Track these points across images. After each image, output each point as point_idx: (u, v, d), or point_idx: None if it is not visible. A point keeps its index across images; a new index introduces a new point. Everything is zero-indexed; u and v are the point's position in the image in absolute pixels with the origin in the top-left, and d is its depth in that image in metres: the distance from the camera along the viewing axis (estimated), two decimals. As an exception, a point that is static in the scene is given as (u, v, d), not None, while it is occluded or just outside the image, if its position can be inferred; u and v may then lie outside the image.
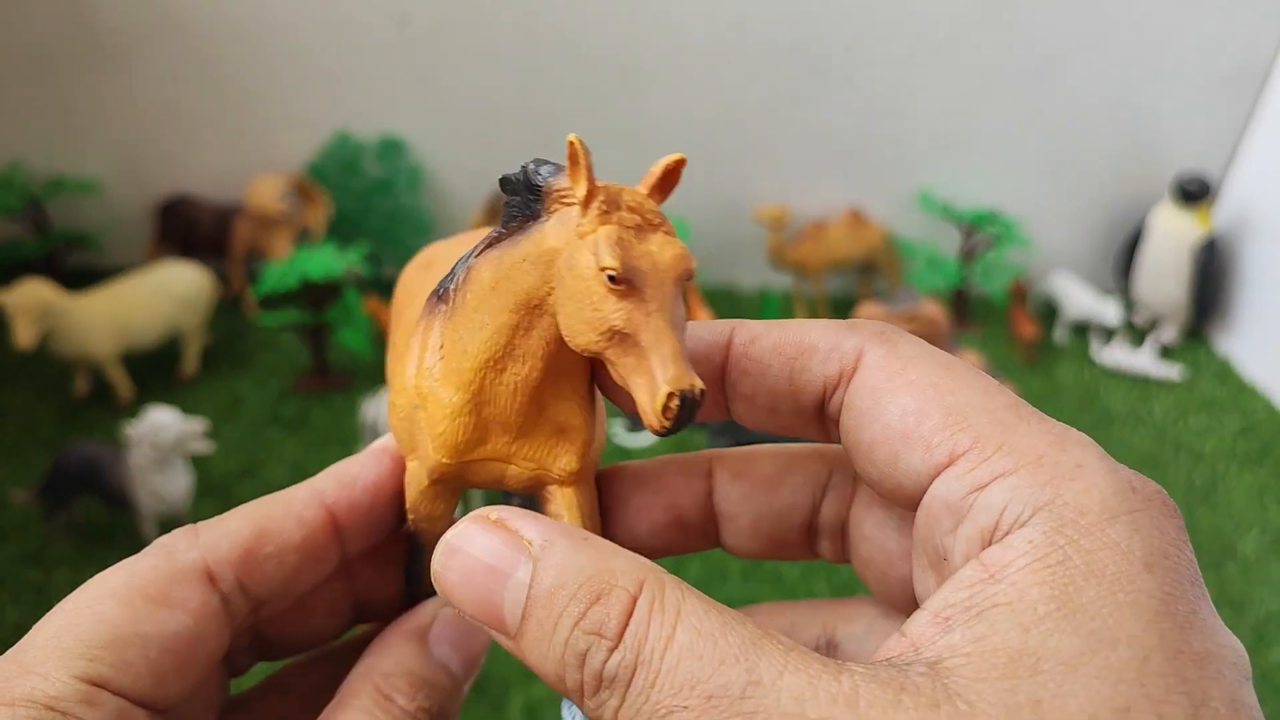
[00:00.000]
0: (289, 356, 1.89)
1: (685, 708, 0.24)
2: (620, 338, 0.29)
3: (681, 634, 0.25)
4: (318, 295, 1.71)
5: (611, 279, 0.29)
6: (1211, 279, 2.04)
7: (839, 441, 0.33)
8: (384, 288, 1.98)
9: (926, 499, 0.29)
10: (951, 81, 2.00)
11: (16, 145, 2.00)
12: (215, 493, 1.54)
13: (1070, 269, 2.20)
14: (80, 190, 2.00)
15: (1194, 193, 1.98)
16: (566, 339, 0.31)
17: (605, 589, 0.26)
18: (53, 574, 1.39)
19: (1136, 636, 0.24)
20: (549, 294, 0.31)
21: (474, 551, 0.28)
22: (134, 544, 1.42)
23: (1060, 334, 2.09)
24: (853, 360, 0.31)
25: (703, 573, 1.46)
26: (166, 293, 1.73)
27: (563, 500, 0.34)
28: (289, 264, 1.67)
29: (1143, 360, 1.99)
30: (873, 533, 0.35)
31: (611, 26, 1.91)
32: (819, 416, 0.33)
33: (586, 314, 0.30)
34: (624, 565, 0.27)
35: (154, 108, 1.98)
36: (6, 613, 1.32)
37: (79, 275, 1.95)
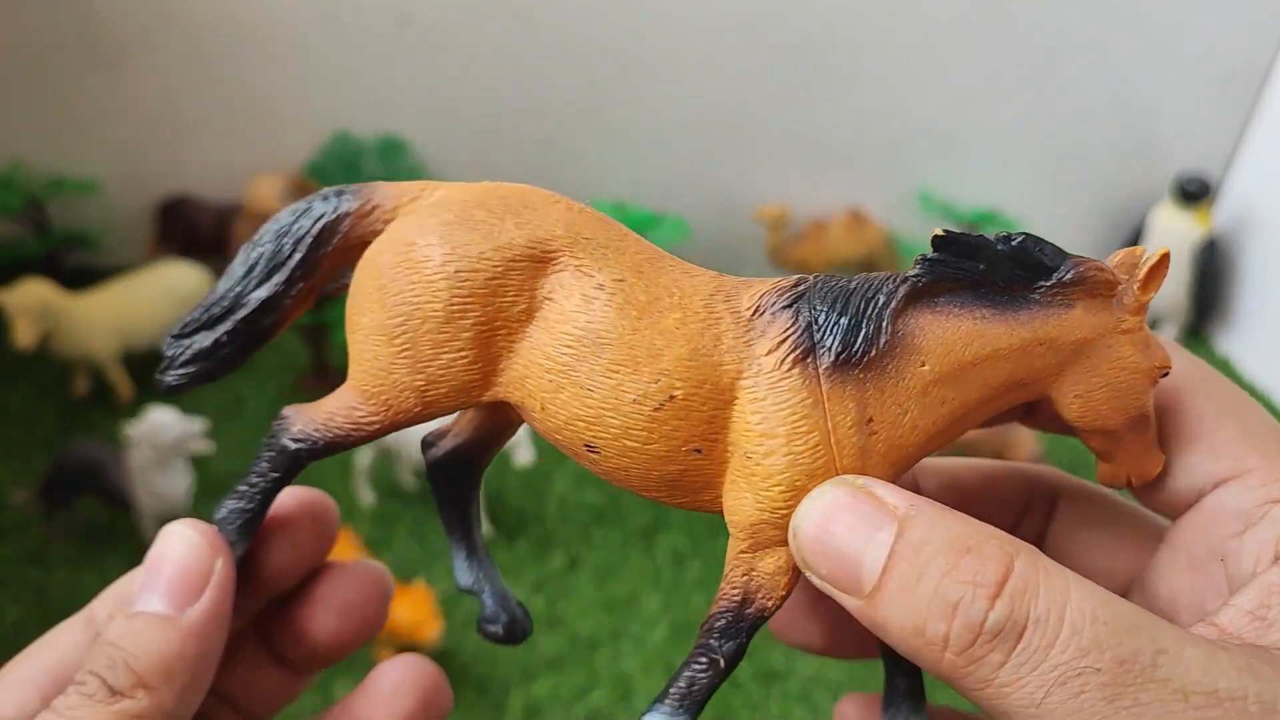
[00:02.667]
0: (289, 356, 1.89)
1: (1097, 670, 0.24)
2: (1140, 420, 0.32)
3: (1078, 599, 0.25)
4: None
5: (1164, 375, 0.32)
6: (1211, 279, 2.03)
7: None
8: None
9: (1209, 501, 0.32)
10: (951, 81, 2.00)
11: (16, 145, 2.00)
12: (215, 493, 1.54)
13: (1070, 269, 2.20)
14: (80, 190, 2.00)
15: (1194, 193, 1.98)
16: (1076, 416, 0.32)
17: (976, 545, 0.27)
18: (53, 574, 1.38)
19: None
20: (1051, 376, 0.32)
21: (835, 511, 0.28)
22: (134, 544, 1.42)
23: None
24: None
25: (702, 572, 1.46)
26: (166, 293, 1.73)
27: None
28: (289, 264, 1.67)
29: (1143, 360, 1.99)
30: (1081, 554, 0.37)
31: (612, 26, 1.91)
32: None
33: (1128, 401, 0.32)
34: (993, 532, 0.28)
35: (154, 108, 1.98)
36: (7, 612, 1.32)
37: (79, 275, 1.95)
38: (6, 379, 1.79)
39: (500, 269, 0.32)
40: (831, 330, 0.30)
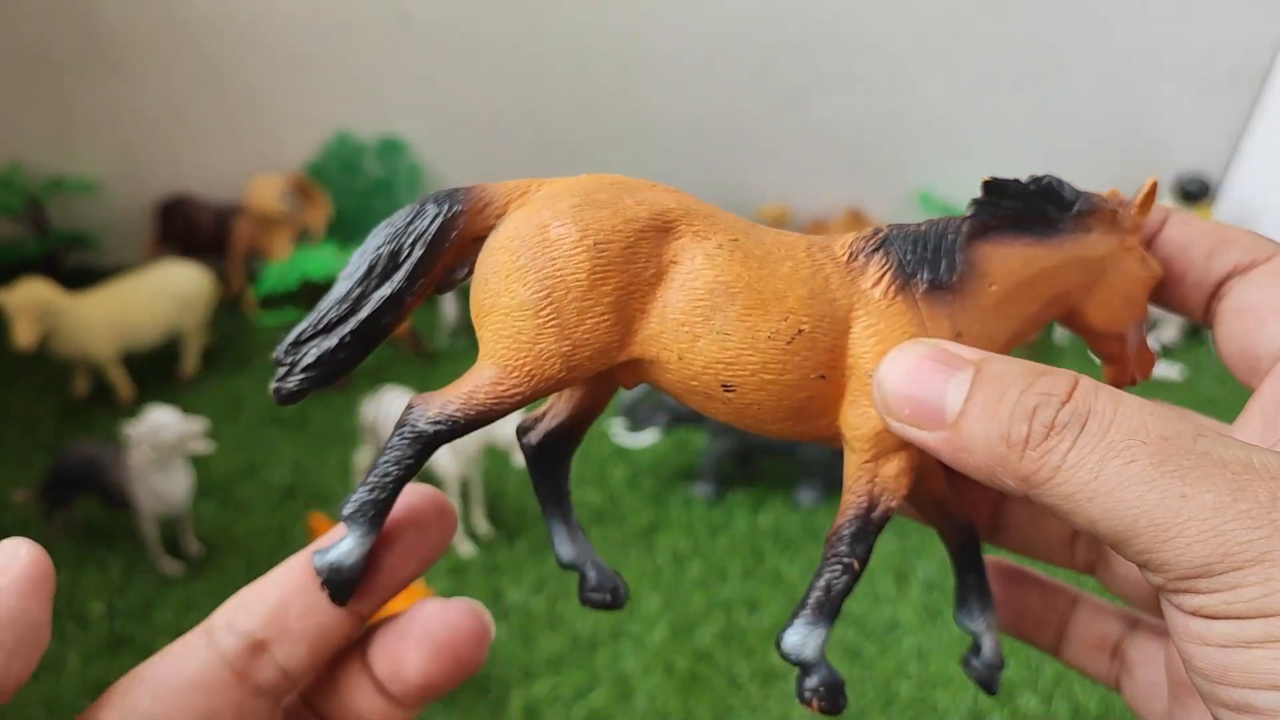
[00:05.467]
0: (289, 356, 1.89)
1: (1144, 443, 0.29)
2: (1142, 322, 0.41)
3: (1128, 402, 0.30)
4: (317, 295, 1.71)
5: (1158, 283, 0.40)
6: (1211, 279, 2.04)
7: (1206, 323, 0.41)
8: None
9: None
10: (951, 81, 2.00)
11: (16, 145, 2.00)
12: (215, 493, 1.54)
13: (1070, 269, 2.20)
14: (80, 190, 2.00)
15: (1194, 193, 1.98)
16: (1100, 323, 0.40)
17: (1046, 371, 0.32)
18: (53, 574, 1.38)
19: None
20: (1082, 290, 0.39)
21: (915, 360, 0.33)
22: (134, 544, 1.42)
23: (1060, 333, 2.09)
24: (1265, 257, 0.39)
25: (704, 572, 1.46)
26: (166, 293, 1.74)
27: None
28: (289, 264, 1.67)
29: (1143, 360, 1.99)
30: None
31: (611, 27, 1.91)
32: (1208, 293, 0.40)
33: (1133, 307, 0.40)
34: (1057, 369, 0.32)
35: (154, 108, 1.99)
36: (6, 613, 1.32)
37: (79, 275, 1.95)
38: (6, 379, 1.79)
39: (631, 238, 0.36)
40: (919, 264, 0.37)
